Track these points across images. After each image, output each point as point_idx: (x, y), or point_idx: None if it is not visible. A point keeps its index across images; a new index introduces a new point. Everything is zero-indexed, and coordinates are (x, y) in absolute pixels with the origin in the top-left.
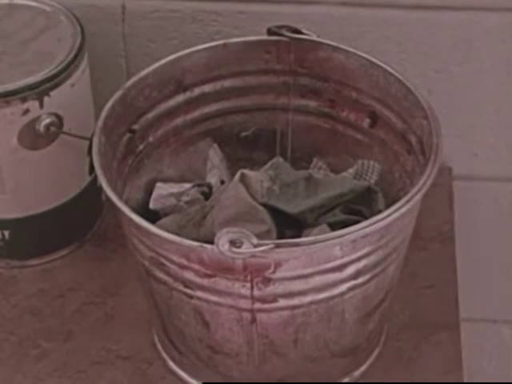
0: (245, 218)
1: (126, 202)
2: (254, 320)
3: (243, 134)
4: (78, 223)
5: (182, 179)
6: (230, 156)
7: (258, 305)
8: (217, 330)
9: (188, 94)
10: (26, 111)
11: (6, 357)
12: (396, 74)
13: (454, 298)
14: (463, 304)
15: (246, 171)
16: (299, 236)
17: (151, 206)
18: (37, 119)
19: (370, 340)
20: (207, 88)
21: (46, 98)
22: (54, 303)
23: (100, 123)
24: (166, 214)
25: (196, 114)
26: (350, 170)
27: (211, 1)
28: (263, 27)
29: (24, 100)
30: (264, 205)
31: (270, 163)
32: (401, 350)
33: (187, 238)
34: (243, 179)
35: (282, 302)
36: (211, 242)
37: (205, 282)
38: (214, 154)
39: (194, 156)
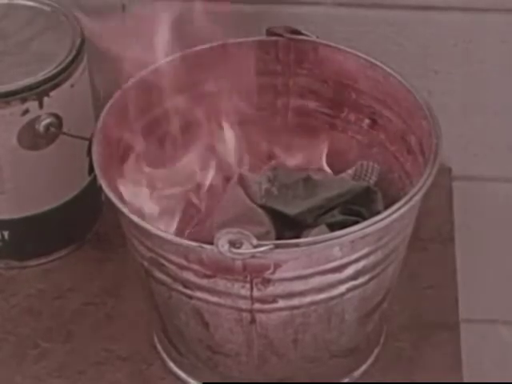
0: (243, 220)
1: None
2: (253, 320)
3: None
4: (77, 223)
5: None
6: None
7: (257, 305)
8: (216, 330)
9: (187, 94)
10: (26, 111)
11: (6, 357)
12: (395, 74)
13: (453, 299)
14: (463, 304)
15: (244, 173)
16: (298, 237)
17: None
18: (36, 119)
19: (370, 340)
20: (207, 88)
21: (45, 99)
22: (54, 304)
23: (99, 123)
24: None
25: (196, 114)
26: (349, 171)
27: (211, 1)
28: (263, 28)
29: (24, 100)
30: (262, 206)
31: (268, 164)
32: (400, 350)
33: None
34: (241, 181)
35: (282, 303)
36: (211, 243)
37: (204, 282)
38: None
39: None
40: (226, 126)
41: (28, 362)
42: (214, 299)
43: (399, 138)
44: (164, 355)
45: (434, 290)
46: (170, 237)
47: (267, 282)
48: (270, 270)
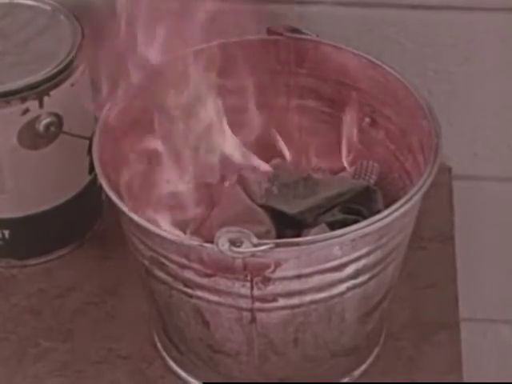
0: (243, 219)
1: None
2: (253, 319)
3: None
4: (77, 223)
5: None
6: None
7: (257, 304)
8: (217, 329)
9: (188, 94)
10: (26, 111)
11: (6, 356)
12: (396, 73)
13: (453, 298)
14: (463, 304)
15: (244, 173)
16: (299, 236)
17: None
18: (36, 119)
19: (370, 339)
20: (207, 88)
21: (45, 98)
22: (54, 303)
23: (100, 123)
24: None
25: (196, 113)
26: (349, 170)
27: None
28: (263, 27)
29: (24, 100)
30: (263, 206)
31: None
32: (401, 349)
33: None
34: (241, 181)
35: (282, 302)
36: (211, 242)
37: (205, 281)
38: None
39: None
40: (226, 125)
41: (28, 360)
42: (215, 298)
43: (399, 137)
44: (164, 354)
45: (434, 289)
46: (171, 236)
47: (267, 280)
48: (271, 269)
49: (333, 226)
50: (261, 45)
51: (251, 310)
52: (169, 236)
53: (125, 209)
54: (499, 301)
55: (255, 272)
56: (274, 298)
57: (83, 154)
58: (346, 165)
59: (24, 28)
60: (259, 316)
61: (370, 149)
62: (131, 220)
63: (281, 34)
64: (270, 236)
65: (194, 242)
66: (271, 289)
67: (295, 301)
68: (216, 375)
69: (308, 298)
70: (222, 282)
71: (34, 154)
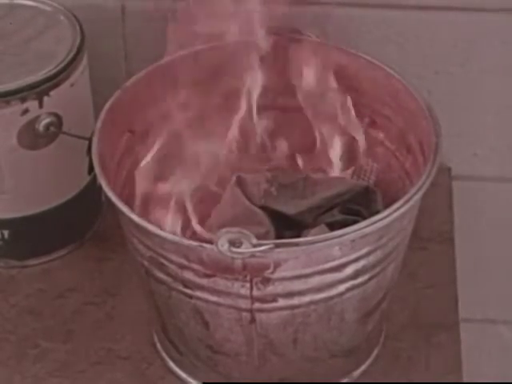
0: (242, 221)
1: (126, 202)
2: (253, 320)
3: None
4: (77, 223)
5: None
6: None
7: (257, 305)
8: (216, 329)
9: (187, 94)
10: (26, 111)
11: (6, 357)
12: (395, 74)
13: (453, 298)
14: (463, 304)
15: (242, 174)
16: (298, 237)
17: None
18: (36, 119)
19: (370, 340)
20: (206, 88)
21: (45, 98)
22: (54, 303)
23: (99, 123)
24: None
25: (196, 113)
26: (349, 170)
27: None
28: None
29: (23, 100)
30: (262, 207)
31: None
32: (400, 350)
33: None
34: (240, 182)
35: (282, 302)
36: (211, 243)
37: (204, 281)
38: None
39: None
40: (226, 125)
41: (28, 361)
42: (214, 299)
43: (399, 137)
44: (164, 354)
45: (433, 289)
46: (170, 236)
47: (267, 281)
48: (270, 270)
49: (332, 226)
50: (260, 46)
51: (251, 311)
52: (168, 236)
53: (124, 209)
54: (499, 301)
55: (255, 272)
56: (274, 298)
57: (83, 154)
58: (341, 167)
59: (24, 28)
60: (259, 316)
61: (370, 149)
62: (130, 220)
63: (281, 35)
64: (269, 237)
65: (194, 242)
66: (271, 289)
67: (295, 301)
68: (215, 375)
69: (307, 298)
70: (221, 283)
71: (34, 154)
